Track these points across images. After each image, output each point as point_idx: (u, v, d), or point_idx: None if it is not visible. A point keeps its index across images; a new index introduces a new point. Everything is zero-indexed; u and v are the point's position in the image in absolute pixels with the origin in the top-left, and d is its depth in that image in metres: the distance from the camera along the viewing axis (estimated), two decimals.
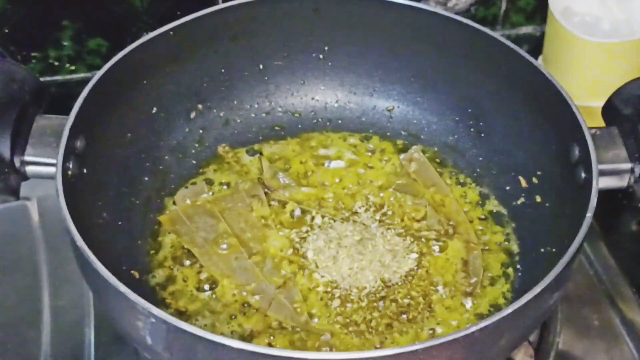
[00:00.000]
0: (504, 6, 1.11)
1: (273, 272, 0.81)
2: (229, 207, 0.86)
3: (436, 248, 0.84)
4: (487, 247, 0.84)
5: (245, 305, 0.79)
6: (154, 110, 0.88)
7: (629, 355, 0.84)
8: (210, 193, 0.88)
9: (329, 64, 0.94)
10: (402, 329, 0.77)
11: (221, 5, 0.89)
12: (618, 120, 0.78)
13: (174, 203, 0.87)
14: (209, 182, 0.89)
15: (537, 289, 0.66)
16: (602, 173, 0.74)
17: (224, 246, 0.83)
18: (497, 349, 0.69)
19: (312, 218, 0.86)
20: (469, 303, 0.80)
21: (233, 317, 0.78)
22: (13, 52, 1.01)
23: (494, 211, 0.87)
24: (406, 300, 0.79)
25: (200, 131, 0.92)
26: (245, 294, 0.79)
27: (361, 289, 0.79)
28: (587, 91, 1.00)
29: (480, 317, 0.79)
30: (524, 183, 0.86)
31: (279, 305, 0.78)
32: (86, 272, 0.71)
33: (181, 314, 0.78)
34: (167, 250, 0.83)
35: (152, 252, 0.83)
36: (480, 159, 0.91)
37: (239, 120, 0.94)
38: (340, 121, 0.95)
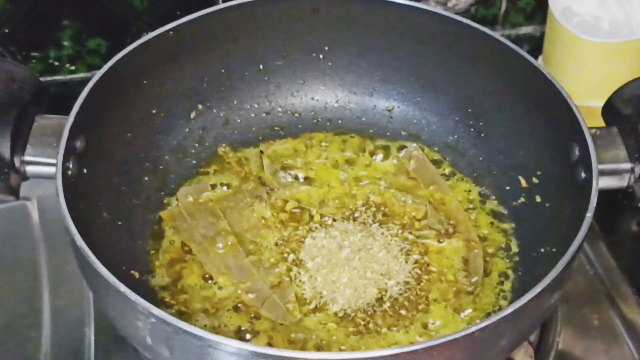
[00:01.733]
0: (504, 6, 1.11)
1: (269, 272, 0.81)
2: (230, 206, 0.86)
3: (436, 247, 0.84)
4: (487, 247, 0.84)
5: (241, 305, 0.79)
6: (154, 110, 0.88)
7: (629, 355, 0.84)
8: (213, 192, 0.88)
9: (329, 64, 0.94)
10: (401, 329, 0.77)
11: (221, 5, 0.89)
12: (618, 120, 0.78)
13: (177, 200, 0.87)
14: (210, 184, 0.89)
15: (537, 289, 0.66)
16: (602, 173, 0.75)
17: (222, 244, 0.83)
18: (497, 349, 0.69)
19: (312, 217, 0.86)
20: (469, 303, 0.80)
21: (232, 316, 0.78)
22: (13, 52, 1.01)
23: (494, 211, 0.87)
24: (406, 300, 0.79)
25: (200, 131, 0.92)
26: (239, 291, 0.80)
27: (361, 291, 0.79)
28: (587, 91, 1.00)
29: (480, 317, 0.79)
30: (524, 183, 0.86)
31: (272, 304, 0.78)
32: (86, 272, 0.71)
33: (181, 314, 0.78)
34: (167, 250, 0.83)
35: (152, 252, 0.83)
36: (480, 159, 0.91)
37: (239, 120, 0.94)
38: (340, 121, 0.95)
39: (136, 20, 1.01)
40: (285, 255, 0.83)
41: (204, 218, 0.85)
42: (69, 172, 0.75)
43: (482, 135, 0.91)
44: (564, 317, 0.86)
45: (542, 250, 0.80)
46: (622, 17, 1.02)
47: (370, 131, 0.94)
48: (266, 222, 0.85)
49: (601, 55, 0.98)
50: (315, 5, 0.90)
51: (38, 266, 0.89)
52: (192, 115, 0.91)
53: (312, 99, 0.96)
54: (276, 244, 0.83)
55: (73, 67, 1.04)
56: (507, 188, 0.88)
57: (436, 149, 0.93)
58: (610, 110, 0.80)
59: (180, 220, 0.85)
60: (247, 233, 0.84)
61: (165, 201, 0.87)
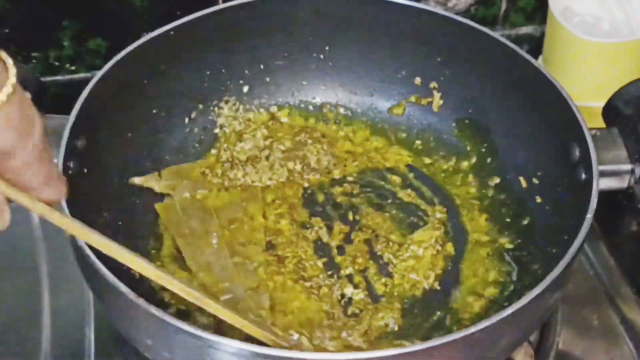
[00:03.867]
0: (504, 6, 1.11)
1: (250, 275, 0.80)
2: (224, 206, 0.86)
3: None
4: (487, 247, 0.84)
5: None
6: (155, 110, 0.88)
7: (629, 355, 0.84)
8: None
9: (330, 64, 0.94)
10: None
11: (221, 5, 0.89)
12: (619, 121, 0.79)
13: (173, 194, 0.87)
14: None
15: (537, 289, 0.66)
16: (603, 174, 0.75)
17: (210, 242, 0.82)
18: (497, 349, 0.69)
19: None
20: (473, 303, 0.80)
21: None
22: (13, 52, 1.00)
23: (494, 211, 0.87)
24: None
25: (201, 131, 0.92)
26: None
27: None
28: (587, 91, 1.00)
29: (480, 317, 0.79)
30: (524, 183, 0.86)
31: (244, 308, 0.77)
32: (86, 272, 0.71)
33: (180, 313, 0.78)
34: (167, 250, 0.83)
35: (153, 252, 0.83)
36: (481, 159, 0.91)
37: None
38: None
39: (136, 20, 1.01)
40: (268, 259, 0.82)
41: (197, 214, 0.84)
42: (70, 172, 0.75)
43: (483, 135, 0.91)
44: (564, 317, 0.86)
45: (542, 250, 0.80)
46: (622, 17, 1.03)
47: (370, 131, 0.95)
48: (257, 223, 0.85)
49: (601, 55, 0.98)
50: (315, 5, 0.90)
51: (38, 266, 0.89)
52: (193, 115, 0.91)
53: (313, 99, 0.95)
54: (261, 248, 0.83)
55: (73, 68, 1.04)
56: (508, 188, 0.88)
57: (436, 148, 0.93)
58: (610, 110, 0.80)
59: (173, 213, 0.85)
60: (236, 234, 0.84)
61: (165, 201, 0.87)
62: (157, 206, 0.86)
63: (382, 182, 0.90)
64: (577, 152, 0.77)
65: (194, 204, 0.86)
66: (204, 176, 0.88)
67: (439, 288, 0.81)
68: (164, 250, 0.83)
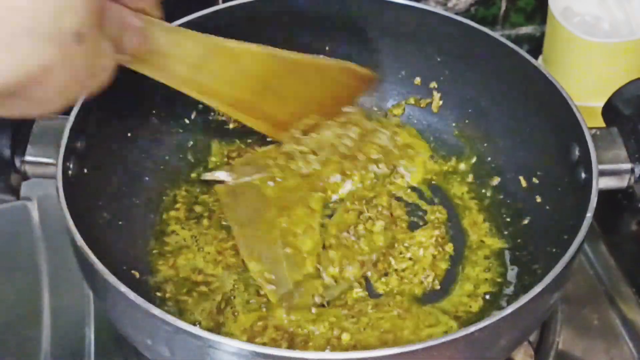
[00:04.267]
0: (504, 6, 1.11)
1: (297, 268, 0.80)
2: (283, 195, 0.85)
3: None
4: (487, 248, 0.84)
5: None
6: (155, 110, 0.88)
7: (629, 355, 0.84)
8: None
9: None
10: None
11: (221, 5, 0.89)
12: (618, 121, 0.79)
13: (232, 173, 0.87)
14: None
15: (537, 289, 0.66)
16: (602, 173, 0.75)
17: (265, 231, 0.82)
18: (497, 349, 0.69)
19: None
20: (472, 303, 0.80)
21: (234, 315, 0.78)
22: None
23: (494, 211, 0.87)
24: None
25: (201, 131, 0.92)
26: (260, 280, 0.79)
27: None
28: (587, 91, 1.00)
29: (479, 317, 0.79)
30: (524, 183, 0.86)
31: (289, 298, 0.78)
32: (86, 272, 0.71)
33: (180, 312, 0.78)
34: (169, 250, 0.83)
35: (154, 251, 0.83)
36: (481, 159, 0.91)
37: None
38: None
39: None
40: (317, 254, 0.82)
41: (254, 201, 0.84)
42: (70, 172, 0.75)
43: (483, 135, 0.91)
44: (564, 317, 0.86)
45: (542, 250, 0.80)
46: (622, 17, 1.03)
47: None
48: (313, 217, 0.84)
49: (601, 55, 0.98)
50: (315, 5, 0.90)
51: (38, 266, 0.89)
52: (193, 115, 0.91)
53: None
54: (312, 242, 0.82)
55: None
56: (508, 188, 0.88)
57: (436, 148, 0.93)
58: (610, 110, 0.80)
59: (231, 197, 0.85)
60: (293, 226, 0.83)
61: (165, 200, 0.87)
62: (218, 188, 0.86)
63: None
64: (577, 152, 0.77)
65: (253, 190, 0.85)
66: (268, 166, 0.86)
67: (438, 288, 0.81)
68: (165, 249, 0.83)
